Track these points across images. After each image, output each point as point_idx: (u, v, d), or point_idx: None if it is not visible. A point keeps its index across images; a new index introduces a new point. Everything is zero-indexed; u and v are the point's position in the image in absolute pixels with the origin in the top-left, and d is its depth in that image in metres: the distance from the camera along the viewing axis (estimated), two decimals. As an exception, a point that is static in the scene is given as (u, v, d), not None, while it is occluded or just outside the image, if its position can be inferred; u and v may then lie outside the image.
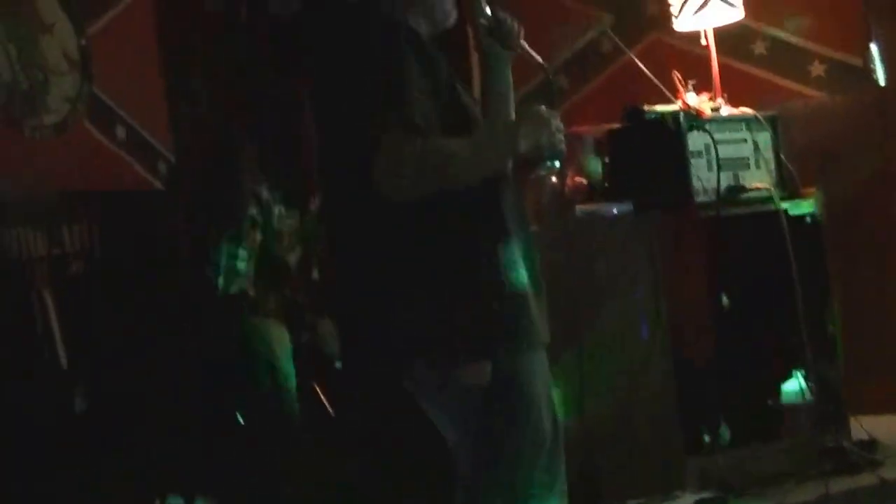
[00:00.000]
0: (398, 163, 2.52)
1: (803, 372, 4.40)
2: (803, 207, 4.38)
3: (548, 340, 2.79)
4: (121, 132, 5.24)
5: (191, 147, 5.53)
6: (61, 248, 4.84)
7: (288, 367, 4.40)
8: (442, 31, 2.90)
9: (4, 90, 4.74)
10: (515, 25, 2.89)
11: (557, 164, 2.74)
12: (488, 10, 2.86)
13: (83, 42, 5.11)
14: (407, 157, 2.52)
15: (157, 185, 5.40)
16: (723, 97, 4.34)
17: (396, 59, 2.63)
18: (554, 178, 4.07)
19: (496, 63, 2.94)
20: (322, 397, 4.46)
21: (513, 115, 2.90)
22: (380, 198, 2.56)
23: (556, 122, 2.67)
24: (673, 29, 4.66)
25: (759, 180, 4.19)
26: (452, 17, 2.88)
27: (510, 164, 2.74)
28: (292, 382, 4.39)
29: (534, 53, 2.91)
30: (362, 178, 2.56)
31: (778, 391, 4.52)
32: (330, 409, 4.45)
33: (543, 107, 2.70)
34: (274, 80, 5.45)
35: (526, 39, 2.89)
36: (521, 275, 2.71)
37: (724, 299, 4.37)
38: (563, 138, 2.68)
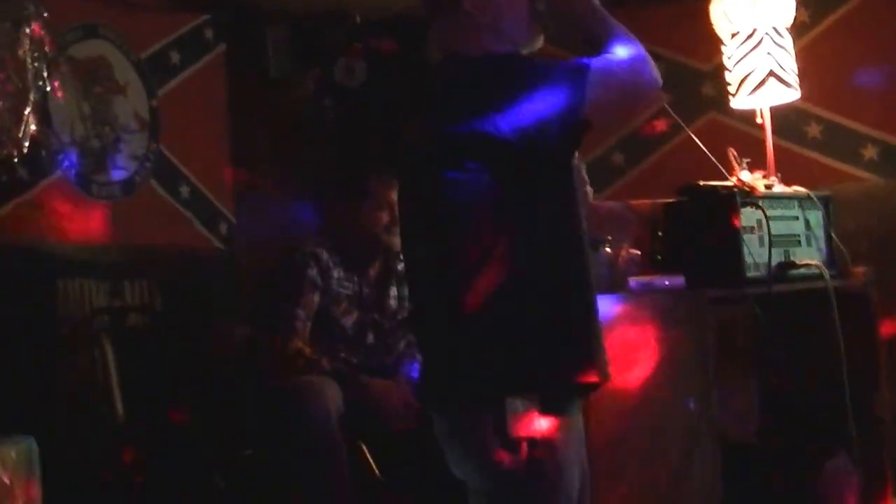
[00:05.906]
0: None
1: (849, 452, 4.37)
2: (853, 286, 4.38)
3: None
4: (185, 191, 5.36)
5: (252, 208, 5.65)
6: (122, 300, 4.96)
7: (337, 425, 4.45)
8: None
9: (77, 147, 4.86)
10: None
11: None
12: None
13: (154, 103, 5.24)
14: None
15: (218, 244, 5.51)
16: (776, 176, 4.36)
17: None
18: (608, 249, 4.10)
19: None
20: (369, 458, 4.50)
21: None
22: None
23: None
24: (729, 108, 4.68)
25: (809, 258, 4.18)
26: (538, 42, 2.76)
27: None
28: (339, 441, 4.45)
29: None
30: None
31: (822, 471, 4.49)
32: (376, 470, 4.48)
33: None
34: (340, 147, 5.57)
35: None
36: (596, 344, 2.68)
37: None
38: None
